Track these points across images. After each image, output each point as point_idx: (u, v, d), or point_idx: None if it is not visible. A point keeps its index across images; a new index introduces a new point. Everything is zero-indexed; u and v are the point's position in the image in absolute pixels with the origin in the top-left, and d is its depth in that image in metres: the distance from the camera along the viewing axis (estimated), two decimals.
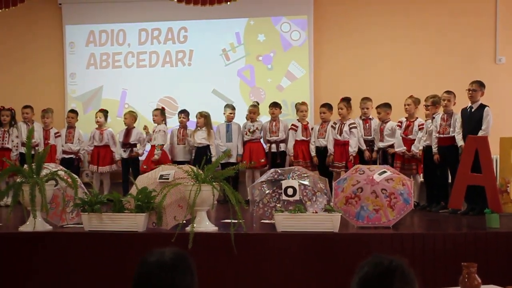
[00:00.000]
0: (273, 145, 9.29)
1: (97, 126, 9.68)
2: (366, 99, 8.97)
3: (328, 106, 9.18)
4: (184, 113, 9.62)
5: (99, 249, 5.41)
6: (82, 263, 5.39)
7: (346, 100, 8.98)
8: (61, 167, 6.48)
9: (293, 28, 10.25)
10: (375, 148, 8.79)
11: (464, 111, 7.54)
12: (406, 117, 8.50)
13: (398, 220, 5.70)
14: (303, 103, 9.37)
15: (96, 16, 10.65)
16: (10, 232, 5.70)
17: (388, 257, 1.98)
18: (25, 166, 5.80)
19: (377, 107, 8.80)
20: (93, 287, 5.36)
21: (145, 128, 9.57)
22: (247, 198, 6.42)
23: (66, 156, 9.55)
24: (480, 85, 7.43)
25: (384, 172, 5.89)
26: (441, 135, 7.75)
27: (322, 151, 9.04)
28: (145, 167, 9.00)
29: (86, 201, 5.56)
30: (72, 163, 9.32)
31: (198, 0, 9.01)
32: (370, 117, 8.96)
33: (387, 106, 8.73)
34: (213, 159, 8.37)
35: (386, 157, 8.57)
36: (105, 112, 9.79)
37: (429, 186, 8.08)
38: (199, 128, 9.37)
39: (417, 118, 8.42)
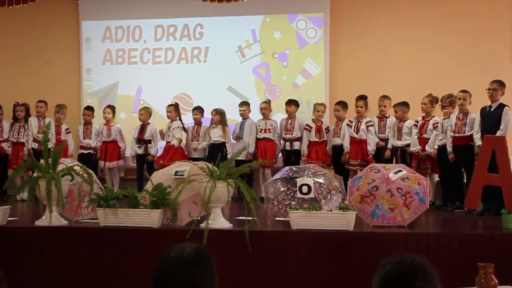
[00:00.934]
0: (287, 143, 9.28)
1: (105, 121, 9.72)
2: (384, 97, 8.91)
3: (342, 104, 9.16)
4: (198, 109, 9.63)
5: (114, 244, 5.43)
6: (97, 258, 5.41)
7: (364, 98, 8.94)
8: (76, 162, 6.52)
9: (309, 25, 10.23)
10: (389, 146, 8.75)
11: (483, 110, 7.48)
12: (422, 117, 8.45)
13: (413, 220, 5.67)
14: (322, 104, 9.34)
15: (113, 12, 10.70)
16: (26, 226, 5.74)
17: (410, 256, 1.96)
18: (42, 161, 5.83)
19: (394, 106, 8.75)
20: (108, 282, 5.38)
21: (161, 132, 9.55)
22: (260, 196, 6.42)
23: (85, 152, 9.62)
24: (501, 84, 7.36)
25: (400, 171, 5.86)
26: (456, 134, 7.70)
27: (337, 149, 9.02)
28: (161, 161, 9.02)
29: (102, 197, 5.58)
30: (90, 158, 9.41)
31: None
32: (387, 115, 8.92)
33: (404, 105, 8.68)
34: (228, 157, 8.37)
35: (405, 156, 8.52)
36: (113, 108, 9.83)
37: (444, 186, 8.03)
38: (214, 126, 9.38)
39: (433, 116, 8.37)
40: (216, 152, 8.83)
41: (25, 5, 9.31)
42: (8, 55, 10.88)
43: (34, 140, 9.40)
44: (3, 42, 10.88)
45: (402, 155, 8.60)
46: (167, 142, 9.41)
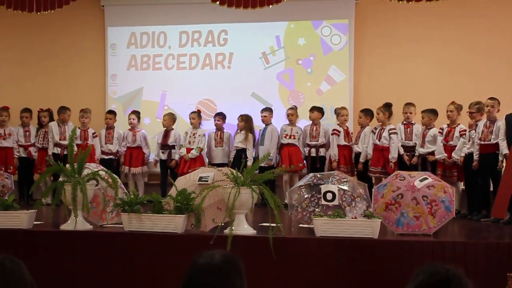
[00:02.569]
0: (313, 150, 9.25)
1: (130, 127, 9.77)
2: (409, 104, 8.86)
3: (365, 112, 9.12)
4: (220, 115, 9.66)
5: (138, 249, 5.44)
6: (121, 263, 5.43)
7: (384, 106, 8.89)
8: (101, 167, 6.56)
9: (333, 32, 10.20)
10: (416, 154, 8.68)
11: (508, 118, 7.38)
12: (448, 124, 8.37)
13: (438, 228, 5.60)
14: (343, 108, 9.33)
15: (138, 18, 10.78)
16: (52, 231, 5.78)
17: (444, 266, 1.93)
18: (67, 165, 5.88)
19: (422, 112, 8.69)
20: (132, 286, 5.40)
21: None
22: (284, 202, 6.40)
23: (106, 157, 9.66)
24: None
25: (426, 178, 5.79)
26: (483, 142, 7.61)
27: (358, 156, 9.00)
28: (179, 170, 9.06)
29: (126, 202, 5.60)
30: (111, 164, 9.42)
31: (240, 2, 8.99)
32: (413, 122, 8.85)
33: (432, 112, 8.61)
34: (249, 163, 8.36)
35: (426, 164, 8.45)
36: (138, 114, 9.88)
37: (470, 194, 7.94)
38: (239, 131, 9.40)
39: (458, 124, 8.29)
40: (238, 158, 8.93)
41: (52, 11, 9.41)
42: (35, 60, 11.00)
43: (56, 145, 9.46)
44: (31, 47, 11.01)
45: (423, 163, 8.52)
46: (187, 149, 9.41)
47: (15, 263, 2.07)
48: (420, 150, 8.59)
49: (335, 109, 9.45)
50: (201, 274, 2.04)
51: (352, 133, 9.33)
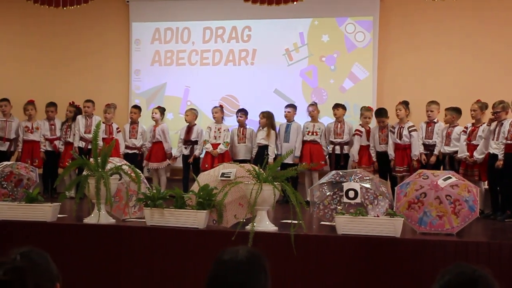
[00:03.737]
0: (337, 147, 9.22)
1: (154, 122, 9.83)
2: (431, 102, 8.80)
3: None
4: (242, 112, 9.66)
5: (159, 244, 5.47)
6: (143, 257, 5.46)
7: (405, 103, 8.83)
8: (125, 161, 6.60)
9: (357, 29, 10.14)
10: (435, 152, 8.61)
11: None
12: (472, 123, 8.29)
13: (462, 228, 5.55)
14: (368, 109, 9.27)
15: (162, 14, 10.82)
16: (75, 224, 5.83)
17: (471, 267, 1.91)
18: (91, 159, 5.92)
19: (445, 110, 8.62)
20: (153, 280, 5.43)
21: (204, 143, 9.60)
22: (306, 199, 6.38)
23: (130, 152, 9.70)
24: None
25: (449, 178, 5.74)
26: (509, 142, 7.51)
27: (383, 156, 8.93)
28: (206, 165, 9.08)
29: (149, 196, 5.63)
30: (135, 159, 9.45)
31: None
32: (435, 120, 8.78)
33: (455, 110, 8.54)
34: (270, 160, 8.35)
35: (453, 163, 8.37)
36: (161, 109, 9.91)
37: (494, 194, 7.85)
38: (261, 128, 9.40)
39: (483, 123, 8.20)
40: (259, 154, 8.92)
41: (78, 6, 9.49)
42: (60, 55, 11.11)
43: (81, 138, 9.55)
44: (56, 43, 11.12)
45: (450, 162, 8.45)
46: (212, 144, 9.43)
47: (41, 255, 2.10)
48: (446, 149, 8.51)
49: (361, 108, 9.38)
50: (226, 270, 2.04)
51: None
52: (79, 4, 9.45)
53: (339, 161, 9.14)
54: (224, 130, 9.48)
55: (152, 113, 9.82)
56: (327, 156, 9.31)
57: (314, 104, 9.51)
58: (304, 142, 9.34)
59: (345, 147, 9.23)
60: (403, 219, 5.35)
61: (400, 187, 5.97)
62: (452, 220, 5.50)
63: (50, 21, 10.93)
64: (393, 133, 8.81)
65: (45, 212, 5.73)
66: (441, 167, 8.48)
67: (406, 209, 5.66)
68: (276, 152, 9.27)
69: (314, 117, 9.40)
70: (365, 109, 9.28)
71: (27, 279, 1.89)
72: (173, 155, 9.77)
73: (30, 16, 10.96)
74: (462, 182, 5.82)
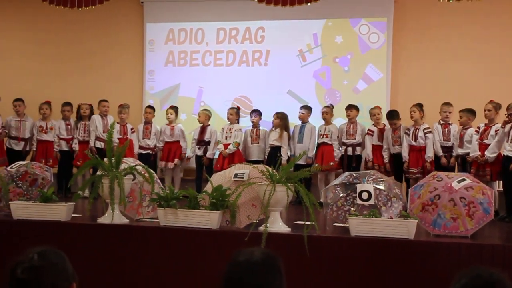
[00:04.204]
0: (349, 148, 9.19)
1: (167, 122, 9.83)
2: (446, 104, 8.76)
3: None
4: (256, 112, 9.66)
5: (173, 244, 5.48)
6: (156, 257, 5.47)
7: (419, 105, 8.79)
8: (139, 162, 6.62)
9: (371, 30, 10.13)
10: (454, 154, 8.57)
11: None
12: (485, 123, 8.24)
13: (476, 230, 5.51)
14: (376, 107, 9.25)
15: (176, 14, 10.87)
16: (89, 224, 5.86)
17: (488, 270, 1.89)
18: (105, 159, 5.95)
19: (460, 111, 8.57)
20: (165, 281, 5.44)
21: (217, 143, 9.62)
22: (319, 200, 6.37)
23: (143, 152, 9.74)
24: None
25: (463, 180, 5.70)
26: None
27: (397, 157, 8.90)
28: (218, 166, 9.09)
29: (163, 196, 5.64)
30: (148, 159, 9.49)
31: (278, 0, 9.01)
32: (450, 122, 8.74)
33: (470, 112, 8.49)
34: (283, 161, 8.35)
35: (466, 165, 8.33)
36: (175, 109, 9.94)
37: (509, 196, 7.79)
38: (273, 129, 9.39)
39: (496, 123, 8.15)
40: (272, 155, 8.91)
41: (93, 7, 9.55)
42: (75, 55, 11.18)
43: (98, 139, 9.58)
44: (70, 43, 11.19)
45: (463, 164, 8.40)
46: (224, 145, 9.44)
47: (58, 254, 2.11)
48: (458, 151, 8.48)
49: (370, 109, 9.35)
50: (241, 272, 2.04)
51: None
52: (94, 5, 9.52)
53: (351, 162, 9.11)
54: (236, 130, 9.49)
55: (168, 114, 9.84)
56: (339, 158, 9.28)
57: (328, 107, 9.50)
58: (317, 145, 9.34)
59: (357, 148, 9.20)
60: (416, 221, 5.32)
61: (414, 189, 5.93)
62: (466, 222, 5.46)
63: (65, 22, 11.01)
64: (408, 134, 8.77)
65: (59, 211, 5.76)
66: (455, 169, 8.43)
67: (420, 211, 5.64)
68: (289, 153, 9.25)
69: (326, 120, 9.39)
70: (372, 109, 9.26)
71: (43, 278, 1.91)
72: (186, 155, 9.79)
73: (44, 17, 11.04)
74: (476, 184, 5.78)
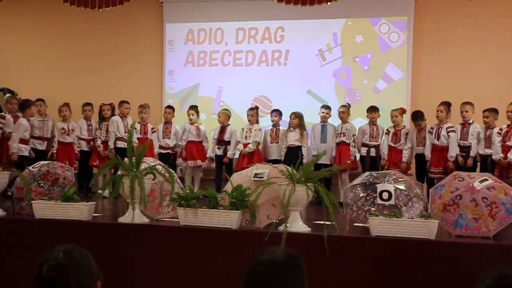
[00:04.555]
0: (372, 149, 9.17)
1: (189, 122, 9.85)
2: (466, 103, 8.68)
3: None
4: (276, 112, 9.66)
5: (192, 243, 5.49)
6: (176, 257, 5.49)
7: (447, 104, 8.72)
8: (159, 161, 6.65)
9: (392, 29, 10.08)
10: (472, 154, 8.49)
11: None
12: (508, 125, 8.16)
13: (498, 231, 5.46)
14: (396, 109, 9.19)
15: (195, 14, 10.90)
16: (110, 223, 5.89)
17: None
18: (126, 159, 5.98)
19: (484, 111, 8.47)
20: (186, 280, 5.46)
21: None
22: (339, 200, 6.35)
23: (163, 151, 9.77)
24: None
25: (485, 180, 5.65)
26: None
27: (421, 157, 8.84)
28: (238, 166, 9.10)
29: (183, 196, 5.66)
30: (168, 158, 9.53)
31: (298, 0, 9.01)
32: (470, 121, 8.66)
33: (495, 111, 8.40)
34: (304, 161, 8.33)
35: (494, 164, 8.24)
36: (196, 109, 9.95)
37: None
38: (291, 129, 9.38)
39: None
40: (292, 155, 8.90)
41: (113, 8, 9.61)
42: (95, 55, 11.26)
43: (120, 139, 9.62)
44: (91, 43, 11.27)
45: (492, 164, 8.29)
46: (244, 144, 9.45)
47: (83, 253, 2.13)
48: (486, 151, 8.38)
49: (391, 111, 9.29)
50: (263, 271, 2.04)
51: (407, 134, 9.16)
52: (114, 5, 9.57)
53: (375, 163, 9.07)
54: (255, 129, 9.50)
55: (190, 115, 9.86)
56: (359, 158, 9.25)
57: (346, 106, 9.47)
58: (336, 144, 9.33)
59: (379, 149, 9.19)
60: (438, 221, 5.28)
61: (435, 189, 5.89)
62: (488, 223, 5.41)
63: (85, 22, 11.09)
64: (431, 133, 8.71)
65: (81, 211, 5.80)
66: (477, 169, 8.35)
67: (441, 211, 5.59)
68: (313, 152, 9.24)
69: (343, 119, 9.37)
70: (393, 110, 9.21)
71: (69, 276, 1.93)
72: (208, 155, 9.83)
73: (64, 18, 11.14)
74: (499, 184, 5.72)
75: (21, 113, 9.40)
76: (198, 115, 9.94)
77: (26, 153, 9.17)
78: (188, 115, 9.87)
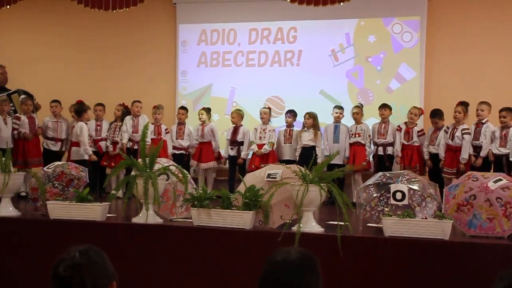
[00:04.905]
0: (380, 148, 9.14)
1: (200, 123, 9.88)
2: (482, 103, 8.59)
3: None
4: (291, 113, 9.65)
5: (206, 244, 5.51)
6: (189, 257, 5.51)
7: (464, 105, 8.67)
8: (172, 162, 6.67)
9: (404, 29, 10.05)
10: (482, 155, 8.42)
11: None
12: None
13: None
14: (416, 108, 9.16)
15: (208, 15, 10.92)
16: (124, 223, 5.93)
17: None
18: (139, 160, 6.01)
19: (501, 111, 8.38)
20: (199, 280, 5.48)
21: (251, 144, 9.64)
22: (352, 201, 6.34)
23: (177, 152, 9.79)
24: None
25: (500, 180, 5.61)
26: None
27: (435, 157, 8.81)
28: (253, 166, 9.11)
29: (196, 197, 5.68)
30: (182, 159, 9.54)
31: (310, 0, 9.01)
32: (483, 121, 8.60)
33: (511, 110, 8.33)
34: (318, 161, 8.32)
35: (510, 164, 8.17)
36: (207, 110, 9.96)
37: None
38: (305, 129, 9.38)
39: None
40: (306, 155, 8.89)
41: (127, 9, 9.66)
42: (107, 56, 11.32)
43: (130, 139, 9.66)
44: (104, 44, 11.32)
45: (508, 163, 8.22)
46: (258, 145, 9.46)
47: (99, 253, 2.15)
48: (501, 150, 8.31)
49: (410, 109, 9.25)
50: (278, 271, 2.05)
51: (421, 131, 9.12)
52: (128, 6, 9.62)
53: (384, 162, 9.04)
54: (270, 130, 9.52)
55: (200, 115, 9.88)
56: (371, 157, 9.23)
57: (359, 106, 9.45)
58: (350, 144, 9.32)
59: (388, 148, 9.13)
60: (452, 221, 5.26)
61: (449, 189, 5.86)
62: (503, 223, 5.38)
63: (98, 23, 11.14)
64: (447, 133, 8.68)
65: (95, 211, 5.84)
66: (492, 169, 8.30)
67: (455, 211, 5.57)
68: (325, 153, 9.23)
69: (357, 120, 9.35)
70: (413, 108, 9.17)
71: (85, 276, 1.95)
72: (221, 155, 9.84)
73: (77, 19, 11.18)
74: None
75: (77, 117, 9.46)
76: (208, 116, 9.93)
77: (87, 157, 9.23)
78: (198, 115, 9.89)
